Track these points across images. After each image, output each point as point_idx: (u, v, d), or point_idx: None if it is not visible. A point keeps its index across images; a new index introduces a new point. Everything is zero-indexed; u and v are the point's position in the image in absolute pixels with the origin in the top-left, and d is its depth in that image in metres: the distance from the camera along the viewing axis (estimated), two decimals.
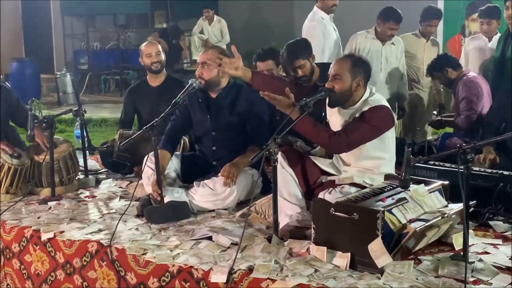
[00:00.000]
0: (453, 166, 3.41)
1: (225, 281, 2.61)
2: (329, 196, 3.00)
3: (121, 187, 4.10)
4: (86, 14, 13.45)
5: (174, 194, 3.45)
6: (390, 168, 3.22)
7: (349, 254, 2.61)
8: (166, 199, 3.39)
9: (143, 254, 2.89)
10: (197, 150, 3.90)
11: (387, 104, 3.18)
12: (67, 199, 3.82)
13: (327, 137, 3.12)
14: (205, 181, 3.59)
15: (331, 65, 3.25)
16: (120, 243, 3.02)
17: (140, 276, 2.88)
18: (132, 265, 2.90)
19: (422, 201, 2.80)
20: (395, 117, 3.24)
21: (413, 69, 5.61)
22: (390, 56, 5.22)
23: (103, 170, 4.59)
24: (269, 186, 3.20)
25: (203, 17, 11.20)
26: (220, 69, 3.36)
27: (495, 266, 2.58)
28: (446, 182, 3.03)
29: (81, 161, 4.30)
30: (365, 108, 3.12)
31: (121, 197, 3.85)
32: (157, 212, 3.34)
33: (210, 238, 3.02)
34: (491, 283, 2.43)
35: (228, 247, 2.90)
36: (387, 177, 3.13)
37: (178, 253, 2.87)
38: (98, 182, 4.26)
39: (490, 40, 5.35)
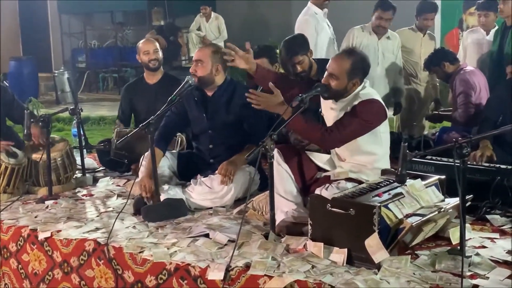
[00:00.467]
0: (450, 160, 3.40)
1: (222, 278, 2.61)
2: (326, 192, 3.00)
3: (119, 185, 4.10)
4: (83, 13, 13.42)
5: (169, 192, 3.44)
6: (384, 163, 3.21)
7: (346, 249, 2.61)
8: (162, 197, 3.38)
9: (140, 252, 2.89)
10: (194, 148, 3.90)
11: (379, 98, 3.17)
12: (65, 198, 3.82)
13: (319, 134, 3.12)
14: (203, 179, 3.59)
15: (330, 60, 3.23)
16: (117, 241, 3.01)
17: (138, 274, 2.87)
18: (129, 263, 2.90)
19: (418, 195, 2.80)
20: (388, 111, 3.22)
21: (411, 64, 5.60)
22: (386, 51, 5.21)
23: (101, 168, 4.59)
24: (267, 183, 3.19)
25: (200, 14, 11.18)
26: (233, 65, 3.58)
27: (492, 260, 2.58)
28: (443, 177, 3.03)
29: (78, 160, 4.30)
30: (356, 102, 3.11)
31: (118, 195, 3.85)
32: (154, 210, 3.33)
33: (207, 235, 3.02)
34: (488, 277, 2.43)
35: (225, 244, 2.90)
36: (384, 172, 3.13)
37: (175, 251, 2.87)
38: (95, 180, 4.25)
39: (488, 33, 5.33)
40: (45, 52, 13.58)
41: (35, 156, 3.93)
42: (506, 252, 2.68)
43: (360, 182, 3.08)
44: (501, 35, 4.95)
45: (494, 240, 2.85)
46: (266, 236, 2.94)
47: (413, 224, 2.56)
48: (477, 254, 2.65)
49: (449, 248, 2.71)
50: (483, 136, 3.29)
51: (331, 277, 2.47)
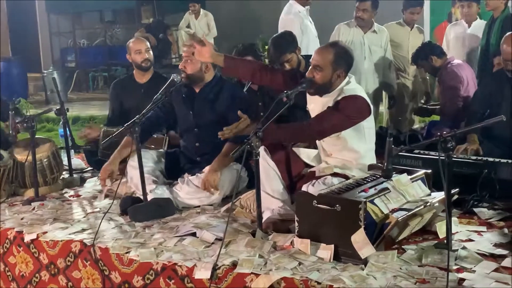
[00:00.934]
0: (436, 154, 3.39)
1: (209, 277, 2.59)
2: (312, 188, 2.99)
3: (106, 186, 4.06)
4: (72, 12, 13.34)
5: (157, 192, 3.42)
6: (369, 159, 3.21)
7: (332, 246, 2.60)
8: (149, 197, 3.36)
9: (126, 253, 2.87)
10: (181, 146, 3.87)
11: (362, 94, 3.16)
12: (51, 199, 3.79)
13: (302, 130, 3.11)
14: (190, 177, 3.57)
15: (313, 54, 3.22)
16: (104, 242, 2.99)
17: (125, 275, 2.86)
18: (116, 264, 2.88)
19: (404, 190, 2.80)
20: (372, 107, 3.22)
21: (399, 58, 5.60)
22: (373, 45, 5.20)
23: (89, 168, 4.56)
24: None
25: (189, 12, 11.12)
26: (197, 58, 3.41)
27: (479, 254, 2.58)
28: (429, 171, 3.02)
29: (65, 160, 4.27)
30: (340, 97, 3.10)
31: (106, 196, 3.82)
32: (141, 210, 3.31)
33: (194, 234, 3.00)
34: (475, 271, 2.42)
35: (213, 243, 2.89)
36: (371, 167, 3.13)
37: (162, 251, 2.85)
38: (83, 181, 4.23)
39: (469, 25, 5.34)
40: (34, 52, 13.50)
41: (21, 157, 3.90)
42: (493, 245, 2.68)
43: (346, 177, 3.08)
44: (488, 28, 4.96)
45: (481, 233, 2.85)
46: (253, 234, 2.93)
47: (399, 219, 2.56)
48: (464, 248, 2.65)
49: (436, 242, 2.71)
50: (469, 130, 3.29)
51: (318, 274, 2.47)
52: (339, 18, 5.60)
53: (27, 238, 3.18)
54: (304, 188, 3.06)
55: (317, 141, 3.35)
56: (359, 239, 2.51)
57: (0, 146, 3.97)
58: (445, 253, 2.52)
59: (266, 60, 4.38)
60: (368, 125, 3.18)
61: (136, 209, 3.32)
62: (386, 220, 2.59)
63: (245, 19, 12.22)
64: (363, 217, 2.51)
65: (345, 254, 2.58)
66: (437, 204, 2.79)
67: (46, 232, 3.19)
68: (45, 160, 3.94)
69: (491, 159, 3.42)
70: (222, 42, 10.15)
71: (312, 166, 3.33)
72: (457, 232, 2.83)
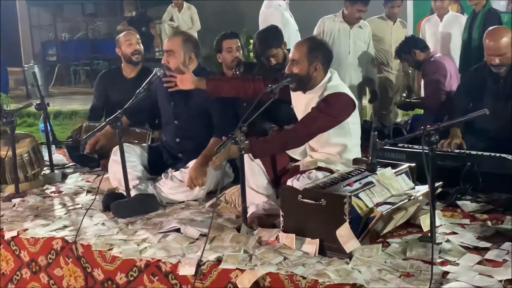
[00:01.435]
0: (420, 148, 3.40)
1: (193, 273, 2.57)
2: (297, 183, 2.98)
3: (88, 181, 4.03)
4: (53, 4, 13.15)
5: (140, 187, 3.39)
6: (355, 152, 3.21)
7: (317, 240, 2.60)
8: (132, 193, 3.32)
9: (109, 250, 2.84)
10: (163, 141, 3.83)
11: (346, 91, 3.16)
12: (32, 196, 3.73)
13: (290, 138, 3.12)
14: (174, 173, 3.54)
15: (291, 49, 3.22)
16: (86, 239, 2.95)
17: (107, 272, 2.82)
18: (98, 261, 2.85)
19: (389, 184, 2.80)
20: (357, 102, 3.21)
21: (382, 52, 5.62)
22: (358, 39, 5.20)
23: (71, 164, 4.50)
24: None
25: (172, 4, 11.03)
26: (179, 88, 3.42)
27: (462, 246, 2.59)
28: (413, 164, 3.03)
29: (46, 156, 4.21)
30: (323, 94, 3.09)
31: (88, 192, 3.78)
32: (124, 206, 3.27)
33: (178, 230, 2.97)
34: (458, 263, 2.43)
35: (197, 239, 2.87)
36: (355, 161, 3.12)
37: (146, 247, 2.82)
38: (64, 176, 4.17)
39: (441, 19, 5.38)
40: (14, 46, 13.29)
41: (0, 153, 3.83)
42: (477, 238, 2.69)
43: (331, 172, 3.07)
44: (470, 22, 4.99)
45: (465, 226, 2.86)
46: (238, 229, 2.92)
47: (383, 213, 2.56)
48: (448, 241, 2.66)
49: (420, 235, 2.72)
50: (452, 124, 3.30)
51: (303, 268, 2.46)
52: (320, 12, 5.59)
53: (8, 235, 3.12)
54: (289, 182, 3.04)
55: None
56: (344, 233, 2.51)
57: None
58: (429, 246, 2.52)
59: (251, 54, 4.35)
60: (353, 121, 3.17)
61: (119, 205, 3.28)
62: (370, 214, 2.59)
63: (228, 13, 12.17)
64: (348, 211, 2.51)
65: (330, 249, 2.57)
66: (421, 197, 2.80)
67: (27, 229, 3.14)
68: (25, 155, 3.88)
69: (474, 153, 3.44)
70: (205, 35, 10.08)
71: (297, 160, 3.32)
72: (440, 225, 2.84)
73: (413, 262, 2.45)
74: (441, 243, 2.61)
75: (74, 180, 4.09)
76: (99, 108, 4.57)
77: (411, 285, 2.26)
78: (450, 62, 4.93)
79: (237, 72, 4.13)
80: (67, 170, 4.35)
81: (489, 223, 2.88)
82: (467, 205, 3.11)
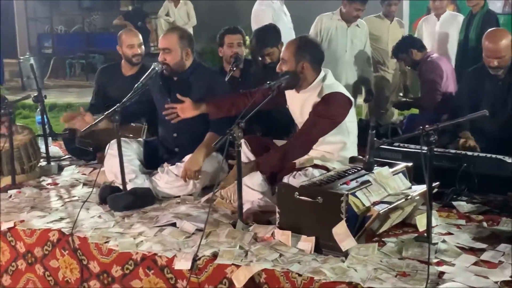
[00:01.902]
0: (417, 147, 3.42)
1: (189, 268, 2.58)
2: (294, 180, 2.99)
3: (84, 174, 4.02)
4: None
5: (136, 181, 3.38)
6: (351, 151, 3.22)
7: (313, 238, 2.60)
8: (129, 186, 3.32)
9: (105, 242, 2.84)
10: (160, 136, 3.83)
11: (341, 90, 3.17)
12: (28, 187, 3.72)
13: (294, 147, 3.12)
14: (170, 167, 3.54)
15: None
16: (82, 231, 2.95)
17: (103, 265, 2.82)
18: (94, 254, 2.85)
19: (386, 183, 2.81)
20: (353, 100, 3.23)
21: (378, 51, 5.63)
22: (355, 38, 5.21)
23: (67, 156, 4.49)
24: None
25: (168, 0, 11.00)
26: (184, 117, 3.46)
27: (458, 247, 2.61)
28: (410, 164, 3.04)
29: (43, 148, 4.20)
30: (318, 92, 3.10)
31: (84, 184, 3.78)
32: (120, 199, 3.27)
33: (174, 224, 2.98)
34: (454, 264, 2.45)
35: (193, 233, 2.87)
36: (352, 159, 3.13)
37: (142, 241, 2.82)
38: (61, 169, 4.16)
39: (438, 18, 5.40)
40: (10, 37, 13.22)
41: None
42: (472, 239, 2.71)
43: (327, 169, 3.08)
44: (467, 23, 5.01)
45: (460, 226, 2.88)
46: (234, 225, 2.92)
47: (380, 212, 2.56)
48: (444, 241, 2.67)
49: (416, 235, 2.73)
50: (458, 125, 3.30)
51: (298, 266, 2.46)
52: (316, 10, 5.59)
53: (4, 226, 3.11)
54: (285, 179, 3.05)
55: None
56: (341, 232, 2.52)
57: None
58: (425, 246, 2.54)
59: (246, 50, 4.36)
60: (349, 119, 3.18)
61: (115, 198, 3.28)
62: (367, 212, 2.60)
63: (224, 8, 12.14)
64: (345, 209, 2.52)
65: (326, 246, 2.58)
66: (417, 197, 2.81)
67: (23, 221, 3.13)
68: (22, 147, 3.87)
69: (470, 153, 3.46)
70: (201, 31, 10.07)
71: None
72: (436, 225, 2.85)
73: (409, 262, 2.46)
74: (437, 243, 2.63)
75: (70, 172, 4.08)
76: (99, 101, 4.56)
77: (407, 284, 2.27)
78: (446, 62, 4.95)
79: (234, 69, 4.13)
80: (63, 163, 4.33)
81: (484, 224, 2.89)
82: (463, 206, 3.13)
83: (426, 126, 2.53)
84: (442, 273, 2.36)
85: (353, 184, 2.73)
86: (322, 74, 3.17)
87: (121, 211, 3.22)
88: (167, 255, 2.66)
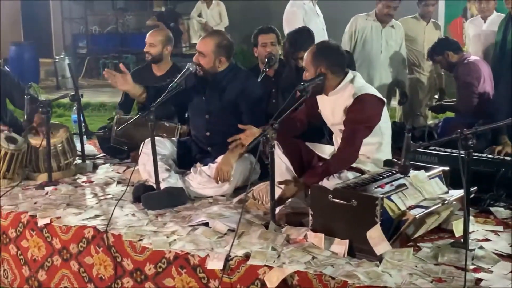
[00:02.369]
0: (454, 151, 3.36)
1: (221, 267, 2.58)
2: (328, 182, 2.96)
3: (119, 172, 4.07)
4: None
5: (170, 181, 3.41)
6: (385, 153, 3.18)
7: (347, 241, 2.58)
8: (162, 185, 3.35)
9: (139, 240, 2.87)
10: (192, 135, 3.86)
11: (372, 91, 3.13)
12: (64, 184, 3.78)
13: (341, 160, 3.08)
14: (203, 168, 3.56)
15: None
16: (117, 229, 2.99)
17: (137, 262, 2.85)
18: (128, 251, 2.88)
19: (422, 187, 2.77)
20: (385, 100, 3.19)
21: (414, 53, 5.55)
22: (390, 39, 5.16)
23: (101, 155, 4.56)
24: (267, 172, 3.15)
25: (201, 0, 11.07)
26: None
27: (496, 254, 2.55)
28: (447, 168, 2.99)
29: (78, 146, 4.27)
30: (349, 94, 3.08)
31: (118, 183, 3.82)
32: (154, 198, 3.30)
33: (207, 224, 2.99)
34: (492, 271, 2.40)
35: (225, 234, 2.88)
36: (387, 163, 3.10)
37: (175, 239, 2.84)
38: (95, 167, 4.22)
39: (485, 20, 5.29)
40: (46, 37, 13.49)
41: (35, 142, 3.90)
42: (510, 245, 2.65)
43: (360, 171, 3.05)
44: (504, 25, 4.90)
45: (498, 233, 2.82)
46: (266, 226, 2.92)
47: (416, 216, 2.52)
48: (481, 247, 2.62)
49: (452, 240, 2.68)
50: (495, 127, 3.23)
51: (332, 269, 2.45)
52: (350, 10, 5.55)
53: (41, 222, 3.17)
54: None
55: (333, 136, 3.33)
56: (375, 235, 2.49)
57: (15, 131, 3.97)
58: (461, 252, 2.49)
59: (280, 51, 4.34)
60: (383, 119, 3.15)
61: (149, 197, 3.31)
62: (403, 217, 2.56)
63: (256, 8, 12.15)
64: (379, 213, 2.49)
65: (359, 250, 2.56)
66: (454, 202, 2.76)
67: (60, 217, 3.18)
68: (59, 145, 3.94)
69: (508, 158, 3.38)
70: (232, 31, 10.11)
71: (325, 160, 3.30)
72: (473, 231, 2.80)
73: (445, 268, 2.42)
74: (474, 249, 2.58)
75: (105, 170, 4.14)
76: (128, 103, 4.62)
77: None
78: (483, 65, 4.84)
79: (267, 69, 4.13)
80: (98, 161, 4.40)
81: None
82: (501, 212, 3.06)
83: (465, 129, 2.48)
84: (479, 280, 2.32)
85: (388, 187, 2.69)
86: (350, 76, 3.15)
87: (155, 209, 3.25)
88: (200, 254, 2.68)
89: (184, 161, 3.74)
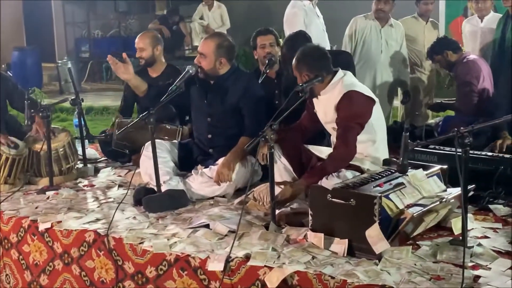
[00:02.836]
0: (452, 149, 3.37)
1: (222, 269, 2.60)
2: (326, 182, 2.97)
3: (120, 176, 4.09)
4: (86, 1, 13.36)
5: (170, 183, 3.42)
6: (381, 150, 3.19)
7: (346, 240, 2.59)
8: (163, 188, 3.36)
9: (140, 243, 2.88)
10: (194, 138, 3.87)
11: (360, 89, 3.14)
12: (66, 189, 3.81)
13: (337, 160, 3.08)
14: (204, 170, 3.57)
15: None
16: (117, 232, 3.00)
17: (138, 265, 2.87)
18: (129, 254, 2.89)
19: (420, 186, 2.78)
20: (375, 98, 3.19)
21: (414, 52, 5.56)
22: (389, 39, 5.17)
23: (103, 158, 4.58)
24: (267, 173, 3.16)
25: (203, 3, 11.09)
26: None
27: (494, 251, 2.56)
28: (445, 167, 3.00)
29: (80, 150, 4.29)
30: (338, 91, 3.10)
31: (119, 186, 3.84)
32: (154, 201, 3.32)
33: (207, 226, 3.00)
34: (490, 268, 2.40)
35: (226, 235, 2.89)
36: (386, 161, 3.11)
37: (175, 242, 2.86)
38: (97, 171, 4.25)
39: (482, 19, 5.28)
40: (48, 42, 13.54)
41: (37, 146, 3.92)
42: (509, 242, 2.65)
43: (360, 170, 3.06)
44: (503, 23, 4.90)
45: (497, 230, 2.82)
46: (266, 227, 2.93)
47: (414, 215, 2.54)
48: (479, 245, 2.62)
49: (451, 238, 2.69)
50: (493, 124, 3.23)
51: (331, 268, 2.46)
52: (350, 11, 5.56)
53: (42, 227, 3.19)
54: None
55: (331, 137, 3.35)
56: (374, 234, 2.50)
57: (18, 136, 4.00)
58: (460, 249, 2.50)
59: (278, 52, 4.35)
60: (375, 116, 3.15)
61: (150, 199, 3.33)
62: (401, 215, 2.57)
63: (258, 11, 12.17)
64: (378, 212, 2.50)
65: (359, 249, 2.57)
66: (452, 200, 2.77)
67: (61, 222, 3.20)
68: (60, 149, 3.97)
69: (507, 156, 3.39)
70: (233, 33, 10.14)
71: (324, 160, 3.31)
72: (472, 228, 2.80)
73: (444, 265, 2.43)
74: (472, 246, 2.58)
75: (106, 174, 4.17)
76: (128, 106, 4.64)
77: None
78: (483, 63, 4.83)
79: (267, 71, 4.14)
80: (99, 165, 4.43)
81: None
82: (500, 209, 3.07)
83: (461, 128, 2.48)
84: (477, 277, 2.32)
85: (387, 186, 2.70)
86: (340, 74, 3.18)
87: (156, 212, 3.26)
88: (201, 256, 2.69)
89: (186, 163, 3.76)
